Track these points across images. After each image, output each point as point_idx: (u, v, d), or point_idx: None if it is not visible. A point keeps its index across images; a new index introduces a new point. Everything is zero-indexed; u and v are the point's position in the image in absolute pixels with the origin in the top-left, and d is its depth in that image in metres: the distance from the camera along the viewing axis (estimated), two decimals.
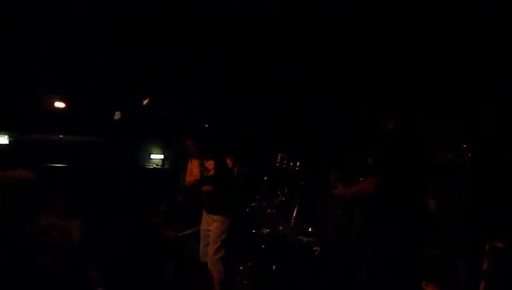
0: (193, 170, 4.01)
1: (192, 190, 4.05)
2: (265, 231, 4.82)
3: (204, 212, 4.08)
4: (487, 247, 3.07)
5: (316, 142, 5.35)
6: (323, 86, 5.12)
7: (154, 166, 10.55)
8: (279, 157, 3.27)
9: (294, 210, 4.74)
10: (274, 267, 4.59)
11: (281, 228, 4.82)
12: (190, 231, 4.92)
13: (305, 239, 4.76)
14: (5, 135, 8.27)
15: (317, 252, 4.64)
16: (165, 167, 9.21)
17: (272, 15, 4.16)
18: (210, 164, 3.92)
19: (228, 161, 3.99)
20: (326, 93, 5.17)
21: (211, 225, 3.95)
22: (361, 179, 2.94)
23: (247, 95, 5.73)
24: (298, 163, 3.23)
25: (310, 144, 5.22)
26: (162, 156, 10.40)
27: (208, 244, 3.94)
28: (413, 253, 2.79)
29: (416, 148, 2.81)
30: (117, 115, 7.51)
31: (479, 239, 3.24)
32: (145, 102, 5.89)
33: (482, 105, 3.62)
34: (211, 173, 3.88)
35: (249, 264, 4.75)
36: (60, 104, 6.89)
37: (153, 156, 10.84)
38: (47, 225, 3.45)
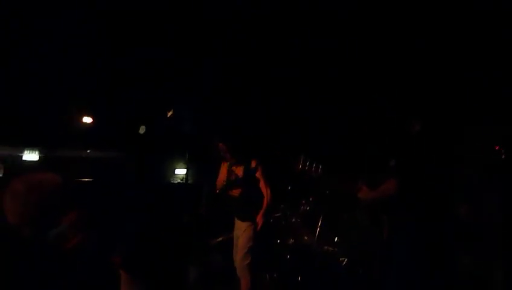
0: (224, 174, 4.03)
1: (221, 194, 4.04)
2: (290, 241, 4.73)
3: (235, 219, 4.05)
4: None
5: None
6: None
7: (179, 181, 10.67)
8: (301, 160, 3.20)
9: (319, 220, 4.65)
10: (299, 278, 4.48)
11: (306, 237, 4.72)
12: (221, 238, 4.89)
13: (330, 249, 4.64)
14: (35, 151, 8.57)
15: (343, 263, 4.51)
16: (189, 181, 9.31)
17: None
18: (239, 170, 3.93)
19: (253, 165, 3.96)
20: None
21: (241, 231, 3.91)
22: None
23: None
24: (320, 166, 3.15)
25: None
26: (185, 171, 10.55)
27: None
28: (439, 260, 2.68)
29: (442, 152, 2.74)
30: (142, 129, 7.64)
31: None
32: (169, 114, 5.97)
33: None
34: (239, 176, 3.89)
35: (274, 275, 4.66)
36: (87, 119, 7.07)
37: (177, 171, 10.99)
38: (63, 234, 3.49)
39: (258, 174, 3.88)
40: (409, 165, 2.69)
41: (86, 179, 7.36)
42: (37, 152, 8.31)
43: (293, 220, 4.78)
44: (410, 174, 2.66)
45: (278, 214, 4.92)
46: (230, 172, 3.90)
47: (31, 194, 1.79)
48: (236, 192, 3.94)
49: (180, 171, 10.33)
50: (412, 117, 2.81)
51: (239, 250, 3.86)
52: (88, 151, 8.19)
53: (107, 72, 5.70)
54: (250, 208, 3.92)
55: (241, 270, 3.82)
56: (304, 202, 4.80)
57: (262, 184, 3.90)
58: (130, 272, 1.17)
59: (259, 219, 3.89)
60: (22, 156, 8.45)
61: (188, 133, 6.89)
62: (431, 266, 2.66)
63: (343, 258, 4.52)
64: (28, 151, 8.28)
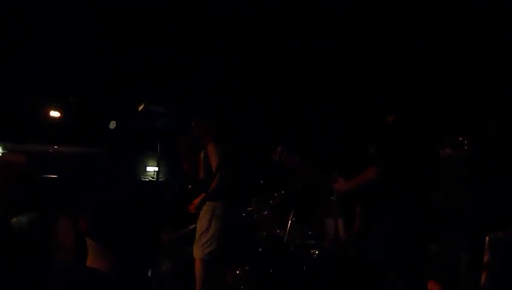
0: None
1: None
2: (262, 234, 4.75)
3: None
4: (487, 238, 3.04)
5: (317, 141, 5.32)
6: (324, 85, 5.13)
7: (150, 178, 10.49)
8: (278, 150, 3.22)
9: (291, 212, 4.69)
10: (271, 270, 4.51)
11: (278, 230, 4.76)
12: (183, 231, 4.86)
13: (302, 242, 4.69)
14: None
15: (314, 255, 4.57)
16: (160, 179, 9.17)
17: (272, 15, 4.20)
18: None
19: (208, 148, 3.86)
20: (326, 93, 5.18)
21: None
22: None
23: (246, 93, 5.71)
24: (298, 156, 3.18)
25: (311, 144, 5.20)
26: (156, 169, 10.38)
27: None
28: (418, 247, 2.77)
29: (417, 141, 2.82)
30: (112, 124, 7.47)
31: (481, 233, 3.20)
32: (140, 108, 5.88)
33: (476, 98, 3.65)
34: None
35: (246, 268, 4.67)
36: (55, 113, 6.87)
37: (148, 169, 10.81)
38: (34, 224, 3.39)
39: (209, 158, 3.79)
40: (389, 153, 2.74)
41: (53, 176, 7.14)
42: (0, 147, 8.00)
43: (265, 213, 4.81)
44: (390, 162, 2.71)
45: (249, 208, 4.94)
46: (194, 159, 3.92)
47: None
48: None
49: (151, 169, 10.17)
50: (389, 109, 2.88)
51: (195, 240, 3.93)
52: (55, 146, 7.94)
53: (76, 64, 5.56)
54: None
55: (195, 251, 3.91)
56: (275, 195, 4.84)
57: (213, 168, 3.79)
58: (96, 239, 1.14)
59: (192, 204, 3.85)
60: None
61: (159, 127, 6.79)
62: (408, 254, 2.73)
63: (314, 250, 4.58)
64: None
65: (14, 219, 3.31)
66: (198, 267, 3.89)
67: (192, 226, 4.70)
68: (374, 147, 2.83)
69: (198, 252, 3.89)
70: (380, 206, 2.83)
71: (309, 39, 4.56)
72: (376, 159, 2.74)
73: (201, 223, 3.90)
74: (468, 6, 3.64)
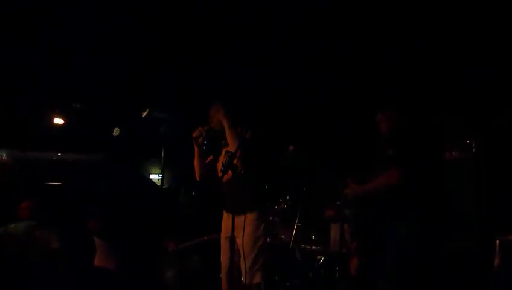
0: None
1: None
2: (268, 240, 4.70)
3: (225, 215, 3.26)
4: (497, 242, 3.00)
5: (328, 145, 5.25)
6: (335, 87, 5.07)
7: None
8: (290, 149, 3.16)
9: (296, 217, 4.65)
10: (276, 276, 4.46)
11: (282, 236, 4.72)
12: (190, 243, 4.81)
13: (308, 247, 4.65)
14: (2, 153, 8.22)
15: (320, 261, 4.52)
16: (163, 186, 9.12)
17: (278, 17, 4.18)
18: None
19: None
20: (338, 94, 5.12)
21: (239, 231, 2.95)
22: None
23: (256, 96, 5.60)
24: (308, 157, 3.16)
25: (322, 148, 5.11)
26: (160, 176, 10.32)
27: (232, 255, 2.93)
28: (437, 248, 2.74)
29: (432, 143, 2.82)
30: (116, 131, 7.45)
31: (491, 235, 3.16)
32: (144, 114, 5.85)
33: (484, 98, 3.61)
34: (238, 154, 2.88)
35: None
36: (58, 120, 6.85)
37: (151, 176, 10.78)
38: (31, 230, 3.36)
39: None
40: (411, 153, 2.70)
41: (56, 183, 7.12)
42: (4, 154, 7.98)
43: (270, 218, 4.75)
44: (412, 162, 2.67)
45: None
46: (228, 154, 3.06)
47: None
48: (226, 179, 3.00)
49: (154, 176, 10.13)
50: (401, 111, 2.87)
51: (246, 255, 3.01)
52: (59, 153, 7.93)
53: (79, 69, 5.56)
54: (251, 195, 3.09)
55: (252, 277, 3.11)
56: (281, 200, 4.80)
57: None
58: (106, 240, 1.11)
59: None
60: None
61: (163, 134, 6.76)
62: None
63: (319, 256, 4.53)
64: None
65: (12, 225, 3.29)
66: None
67: (200, 239, 4.65)
68: (394, 148, 2.75)
69: (257, 276, 3.13)
70: (399, 209, 2.77)
71: (315, 40, 4.50)
72: (398, 160, 2.67)
73: (251, 243, 3.12)
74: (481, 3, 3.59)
